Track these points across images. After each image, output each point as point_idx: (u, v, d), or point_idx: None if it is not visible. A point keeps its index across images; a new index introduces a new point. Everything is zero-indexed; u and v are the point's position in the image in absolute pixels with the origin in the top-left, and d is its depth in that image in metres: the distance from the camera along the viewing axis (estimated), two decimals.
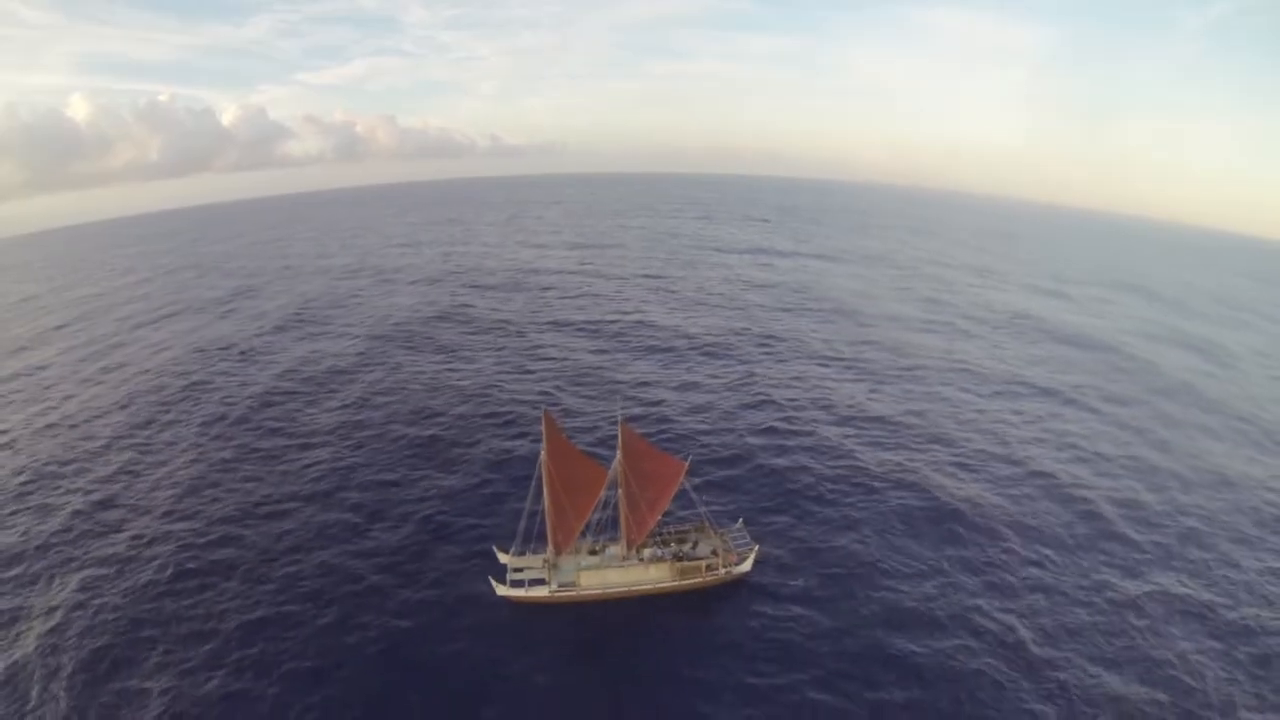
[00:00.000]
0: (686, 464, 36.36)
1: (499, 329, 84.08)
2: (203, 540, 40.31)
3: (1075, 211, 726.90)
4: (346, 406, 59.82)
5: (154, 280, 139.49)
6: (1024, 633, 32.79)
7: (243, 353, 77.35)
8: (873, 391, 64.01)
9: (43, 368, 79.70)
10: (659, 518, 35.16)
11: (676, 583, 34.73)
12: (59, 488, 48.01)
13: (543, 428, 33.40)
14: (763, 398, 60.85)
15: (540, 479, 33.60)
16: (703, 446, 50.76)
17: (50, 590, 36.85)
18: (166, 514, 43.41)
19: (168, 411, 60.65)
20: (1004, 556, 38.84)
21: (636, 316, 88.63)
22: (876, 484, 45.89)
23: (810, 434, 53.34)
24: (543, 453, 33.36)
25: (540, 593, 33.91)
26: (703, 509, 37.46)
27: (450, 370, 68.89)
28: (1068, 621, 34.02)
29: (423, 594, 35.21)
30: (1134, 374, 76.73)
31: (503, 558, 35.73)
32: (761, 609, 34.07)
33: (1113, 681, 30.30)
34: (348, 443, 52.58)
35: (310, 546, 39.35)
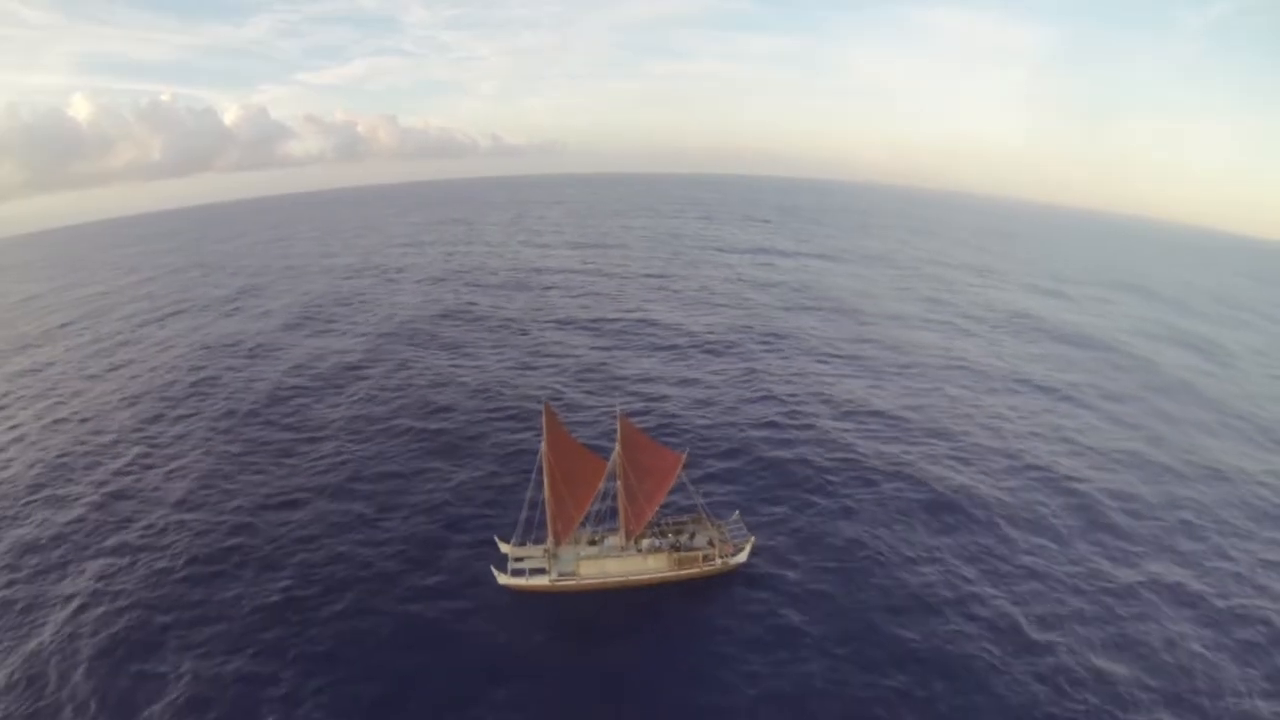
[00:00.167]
0: (684, 456, 37.11)
1: (503, 327, 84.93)
2: (215, 530, 41.17)
3: (1075, 211, 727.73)
4: (355, 401, 60.69)
5: (157, 279, 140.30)
6: (1019, 618, 33.57)
7: (250, 349, 78.19)
8: (872, 387, 64.82)
9: (50, 365, 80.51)
10: (657, 509, 35.90)
11: (674, 573, 35.48)
12: (72, 480, 48.88)
13: (543, 421, 34.19)
14: (763, 393, 61.68)
15: (540, 471, 34.35)
16: (703, 440, 51.58)
17: (67, 579, 37.65)
18: (179, 504, 44.28)
19: (177, 407, 61.50)
20: (1000, 546, 39.66)
21: (639, 315, 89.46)
22: (874, 476, 46.71)
23: (810, 427, 54.16)
24: (543, 445, 34.12)
25: (541, 582, 34.69)
26: (700, 500, 38.24)
27: (456, 367, 69.73)
28: (1062, 608, 34.80)
29: (432, 580, 36.08)
30: (1131, 371, 77.49)
31: (504, 547, 36.49)
32: (759, 597, 34.84)
33: (1105, 665, 31.06)
34: (356, 437, 53.42)
35: (321, 536, 40.19)
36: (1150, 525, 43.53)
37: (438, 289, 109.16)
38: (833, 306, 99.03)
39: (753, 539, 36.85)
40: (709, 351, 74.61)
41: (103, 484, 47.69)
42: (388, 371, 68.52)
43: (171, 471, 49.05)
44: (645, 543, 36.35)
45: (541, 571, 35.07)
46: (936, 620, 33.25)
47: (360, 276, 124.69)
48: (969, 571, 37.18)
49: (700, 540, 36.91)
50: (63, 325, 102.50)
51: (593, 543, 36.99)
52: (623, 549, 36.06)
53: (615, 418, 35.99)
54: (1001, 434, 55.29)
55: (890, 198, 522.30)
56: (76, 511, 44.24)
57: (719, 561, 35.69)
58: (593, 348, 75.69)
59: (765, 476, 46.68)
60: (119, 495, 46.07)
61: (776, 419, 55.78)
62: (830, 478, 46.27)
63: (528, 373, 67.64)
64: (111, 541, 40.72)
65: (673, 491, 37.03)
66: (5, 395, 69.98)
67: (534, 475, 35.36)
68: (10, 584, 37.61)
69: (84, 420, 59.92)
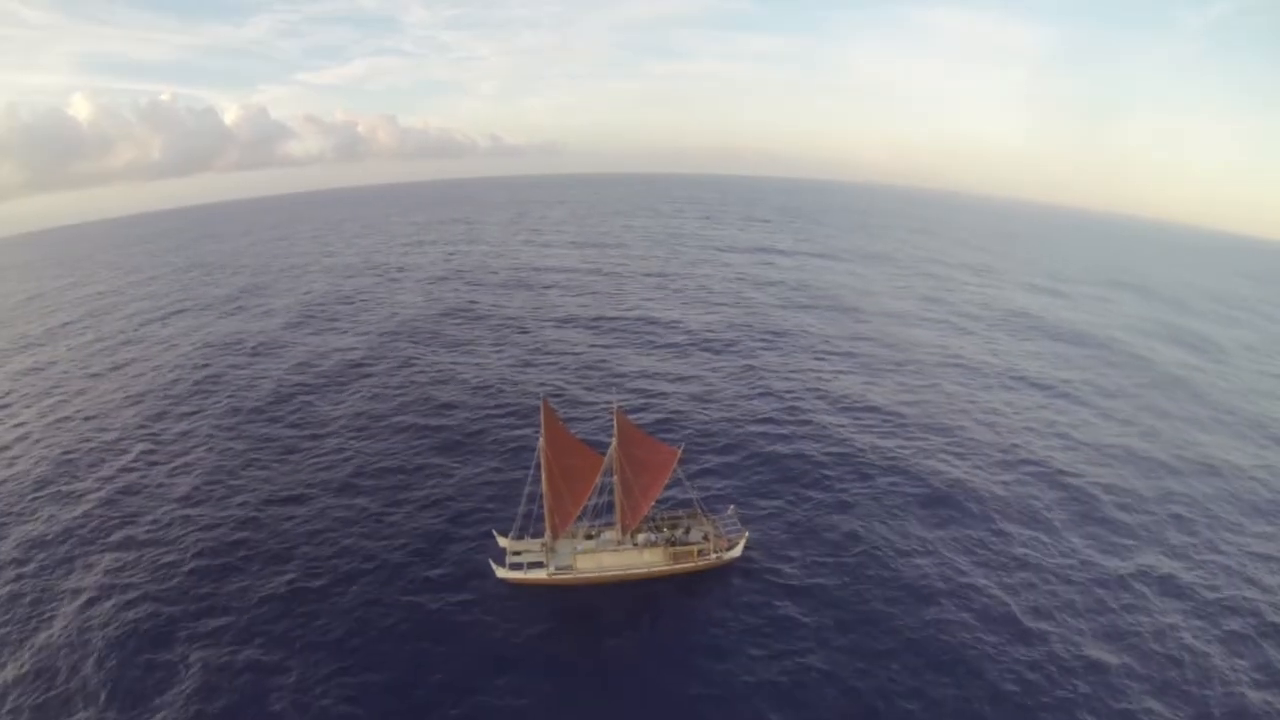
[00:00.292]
0: (679, 451, 37.71)
1: (504, 325, 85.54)
2: (222, 524, 41.78)
3: (1075, 211, 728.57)
4: (358, 399, 61.33)
5: (159, 279, 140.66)
6: (1013, 608, 34.26)
7: (253, 348, 78.72)
8: (868, 383, 65.45)
9: (53, 363, 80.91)
10: (653, 503, 36.50)
11: (669, 567, 36.07)
12: (79, 476, 49.41)
13: (541, 417, 34.79)
14: (761, 390, 62.32)
15: (538, 466, 34.96)
16: (702, 435, 52.21)
17: (76, 573, 38.19)
18: (185, 499, 44.88)
19: (181, 404, 62.05)
20: (994, 538, 40.30)
21: (638, 313, 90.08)
22: (871, 470, 47.36)
23: (807, 423, 54.80)
24: (541, 440, 34.71)
25: (538, 575, 35.31)
26: (695, 495, 38.86)
27: (458, 364, 70.33)
28: (1055, 598, 35.47)
29: (435, 573, 36.72)
30: (1126, 368, 78.12)
31: (502, 541, 37.09)
32: (756, 589, 35.51)
33: (1096, 654, 31.72)
34: (360, 433, 54.05)
35: (326, 530, 40.83)
36: (1142, 518, 44.17)
37: (439, 288, 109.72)
38: (831, 305, 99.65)
39: (747, 534, 37.48)
40: (708, 349, 75.21)
41: (109, 480, 48.26)
42: (390, 369, 69.12)
43: (177, 468, 49.62)
44: (641, 537, 36.95)
45: (539, 565, 35.69)
46: (932, 610, 33.91)
47: (362, 276, 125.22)
48: (964, 563, 37.82)
49: (695, 535, 37.49)
50: (64, 324, 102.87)
51: (589, 537, 37.60)
52: (619, 543, 36.68)
53: (612, 413, 36.55)
54: (996, 429, 55.94)
55: (890, 198, 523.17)
56: (84, 507, 44.79)
57: (714, 556, 36.30)
58: (592, 345, 76.29)
59: (763, 471, 47.30)
60: (126, 491, 46.63)
61: (774, 415, 56.40)
62: (827, 472, 46.89)
63: (528, 370, 68.25)
64: (119, 536, 41.29)
65: (669, 486, 37.62)
66: (9, 394, 70.44)
67: (532, 470, 35.97)
68: (19, 578, 38.15)
69: (89, 418, 60.44)
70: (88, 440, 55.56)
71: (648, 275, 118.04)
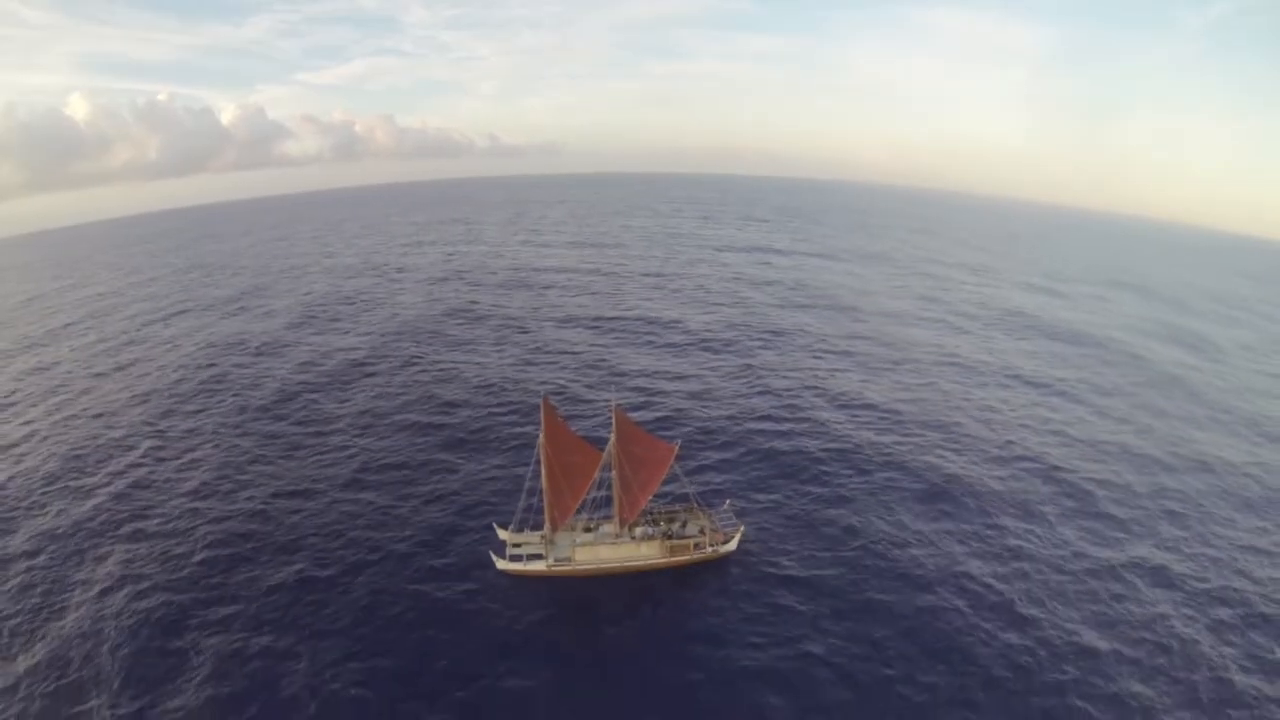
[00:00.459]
0: (676, 447, 38.49)
1: (506, 325, 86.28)
2: (231, 518, 42.55)
3: (1075, 211, 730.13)
4: (363, 397, 62.13)
5: (160, 279, 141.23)
6: (1007, 595, 35.12)
7: (257, 348, 79.38)
8: (866, 381, 66.21)
9: (57, 364, 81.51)
10: (650, 498, 37.25)
11: (666, 560, 36.87)
12: (88, 472, 50.09)
13: (541, 414, 35.55)
14: (759, 387, 63.08)
15: (538, 461, 35.71)
16: (701, 432, 52.96)
17: (88, 565, 38.89)
18: (194, 494, 45.66)
19: (187, 403, 62.74)
20: (989, 530, 41.13)
21: (638, 312, 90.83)
22: (868, 465, 48.15)
23: (805, 420, 55.57)
24: (541, 436, 35.51)
25: (538, 567, 36.11)
26: (692, 490, 39.63)
27: (460, 363, 71.06)
28: (1048, 587, 36.31)
29: (441, 564, 37.55)
30: (1122, 367, 78.93)
31: (502, 534, 37.86)
32: (753, 579, 36.28)
33: (1088, 639, 32.56)
34: (366, 431, 54.83)
35: (333, 523, 41.60)
36: (1136, 512, 44.95)
37: (439, 288, 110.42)
38: (829, 304, 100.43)
39: (742, 528, 38.27)
40: (707, 348, 75.94)
41: (119, 474, 49.00)
42: (394, 368, 69.86)
43: (186, 464, 50.30)
44: (638, 530, 37.75)
45: (539, 557, 36.48)
46: (927, 598, 34.73)
47: (362, 276, 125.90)
48: (959, 553, 38.63)
49: (692, 529, 38.26)
50: (67, 325, 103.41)
51: (588, 530, 38.41)
52: (617, 536, 37.51)
53: (611, 411, 37.27)
54: (992, 425, 56.72)
55: (890, 198, 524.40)
56: (94, 501, 45.51)
57: (709, 549, 37.08)
58: (592, 344, 77.01)
59: (761, 467, 48.06)
60: (135, 485, 47.34)
61: (772, 412, 57.17)
62: (824, 467, 47.65)
63: (529, 369, 68.98)
64: (129, 529, 42.02)
65: (666, 482, 38.37)
66: (15, 393, 71.06)
67: (532, 465, 36.78)
68: (32, 570, 38.82)
69: (96, 416, 61.10)
70: (96, 437, 56.25)
71: (646, 275, 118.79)
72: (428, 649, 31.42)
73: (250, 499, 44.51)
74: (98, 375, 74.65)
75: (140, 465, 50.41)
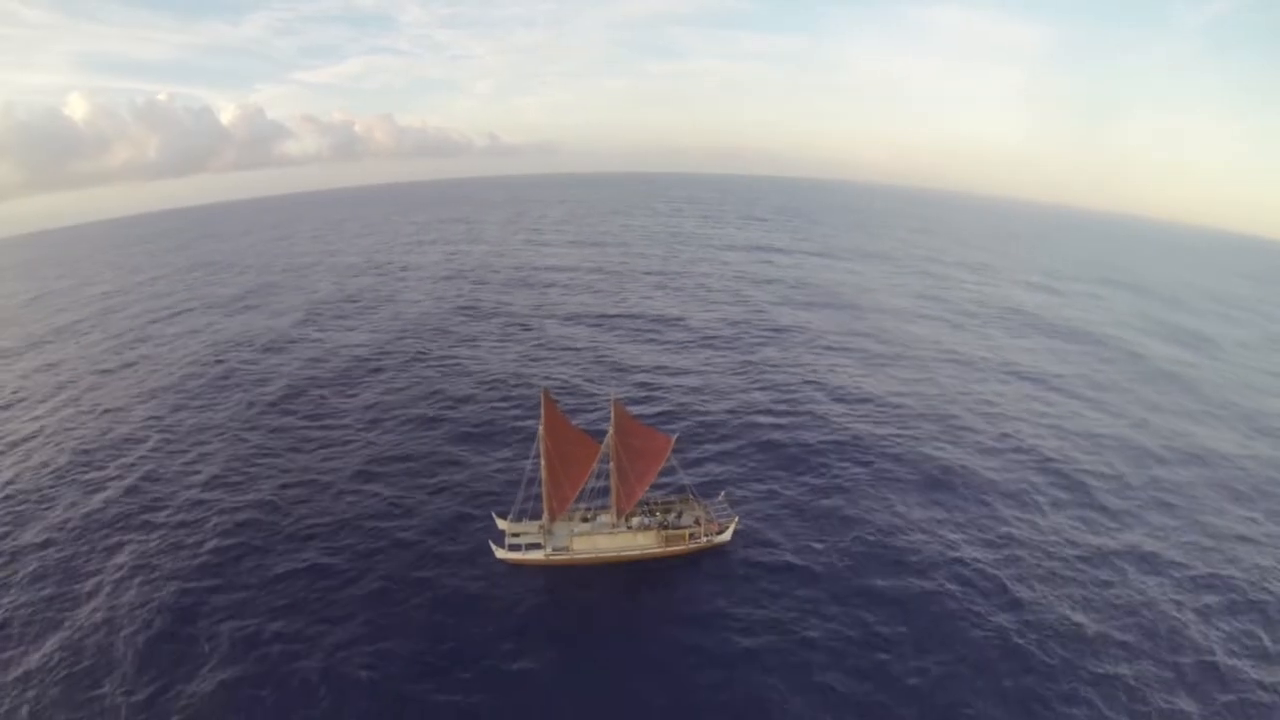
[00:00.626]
0: (673, 440, 39.29)
1: (508, 322, 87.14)
2: (242, 509, 43.34)
3: (1075, 211, 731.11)
4: (370, 392, 63.07)
5: (163, 278, 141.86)
6: (1001, 580, 36.02)
7: (264, 345, 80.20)
8: (865, 376, 67.05)
9: (63, 361, 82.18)
10: (647, 489, 38.07)
11: (662, 549, 37.68)
12: (99, 466, 50.82)
13: (541, 406, 36.38)
14: (759, 382, 63.94)
15: (538, 452, 36.55)
16: (702, 426, 53.83)
17: (100, 555, 39.67)
18: (206, 486, 46.48)
19: (196, 398, 63.58)
20: (985, 518, 42.07)
21: (638, 310, 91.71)
22: (866, 456, 49.05)
23: (805, 413, 56.48)
24: (540, 428, 36.35)
25: (536, 556, 36.94)
26: (688, 482, 40.42)
27: (465, 360, 71.96)
28: (1041, 571, 37.22)
29: (447, 550, 38.48)
30: (1119, 364, 79.70)
31: (501, 524, 38.61)
32: (751, 566, 37.15)
33: (1082, 621, 33.49)
34: (374, 425, 55.75)
35: (343, 513, 42.47)
36: (1129, 502, 45.81)
37: (442, 286, 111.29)
38: (829, 302, 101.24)
39: (737, 518, 39.12)
40: (707, 345, 76.78)
41: (131, 466, 49.81)
42: (400, 364, 70.80)
43: (195, 458, 51.13)
44: (635, 520, 38.56)
45: (537, 546, 37.31)
46: (923, 582, 35.63)
47: (366, 275, 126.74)
48: (955, 539, 39.54)
49: (687, 519, 39.07)
50: (72, 324, 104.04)
51: (586, 520, 39.26)
52: (614, 526, 38.34)
53: (610, 403, 38.07)
54: (989, 418, 57.58)
55: (889, 197, 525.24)
56: (106, 494, 46.30)
57: (704, 539, 37.90)
58: (594, 341, 77.85)
59: (761, 458, 48.94)
60: (147, 478, 48.11)
61: (772, 405, 58.05)
62: (822, 458, 48.53)
63: (533, 364, 69.85)
64: (141, 520, 42.82)
65: (664, 473, 39.17)
66: (23, 390, 71.79)
67: (532, 457, 37.66)
68: (45, 561, 39.54)
69: (106, 411, 61.90)
70: (106, 432, 57.04)
71: (647, 273, 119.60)
72: (434, 633, 32.25)
73: (261, 490, 45.38)
74: (105, 372, 75.42)
75: (151, 459, 51.17)
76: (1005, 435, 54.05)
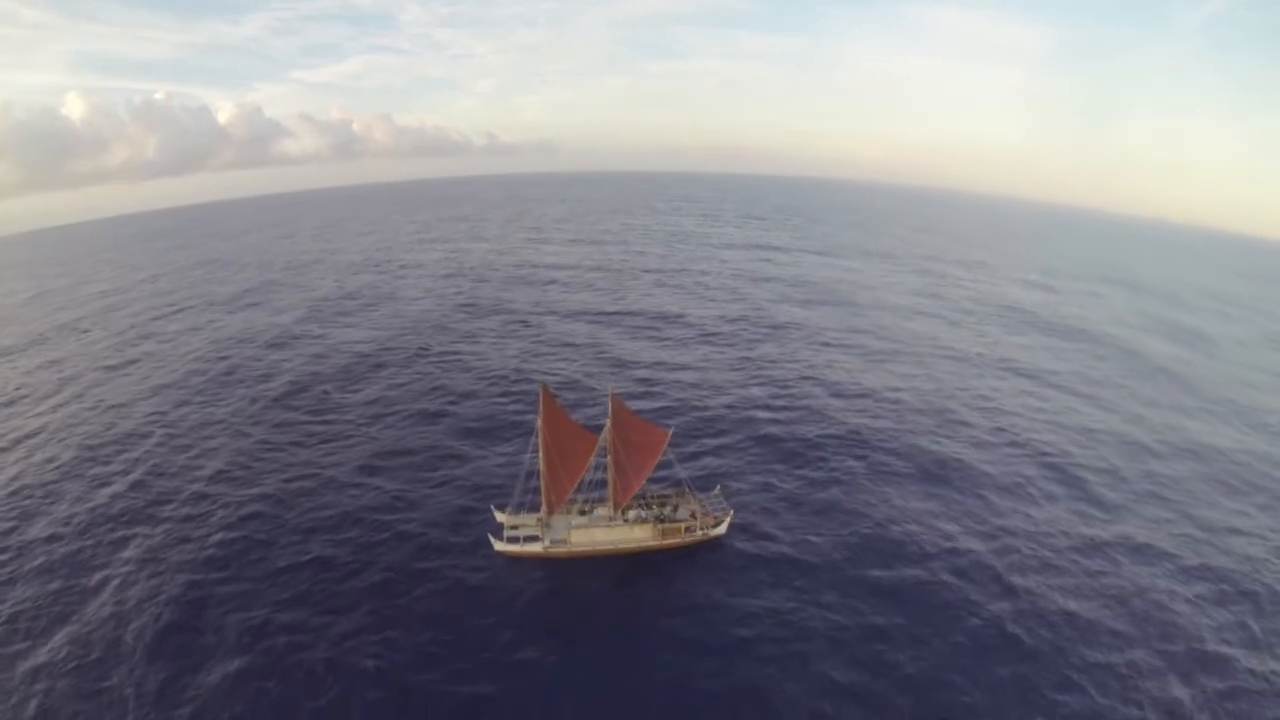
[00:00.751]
0: (669, 434, 39.74)
1: (509, 319, 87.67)
2: (247, 503, 43.76)
3: (1074, 210, 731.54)
4: (375, 388, 63.59)
5: (163, 277, 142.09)
6: (996, 569, 36.67)
7: (267, 342, 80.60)
8: (863, 372, 67.61)
9: (66, 359, 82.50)
10: (643, 482, 38.48)
11: (658, 542, 38.18)
12: (104, 461, 51.26)
13: (540, 400, 36.85)
14: (757, 378, 64.53)
15: (536, 446, 37.00)
16: (701, 420, 54.37)
17: (108, 550, 40.04)
18: (212, 480, 46.92)
19: (200, 394, 64.02)
20: (980, 509, 42.69)
21: (638, 307, 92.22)
22: (862, 449, 49.66)
23: (802, 408, 57.09)
24: (539, 422, 36.79)
25: (534, 548, 37.39)
26: (684, 475, 40.94)
27: (467, 355, 72.47)
28: (1035, 561, 37.81)
29: (450, 542, 39.02)
30: (1116, 361, 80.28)
31: (500, 516, 39.12)
32: (747, 557, 37.71)
33: (1075, 610, 34.04)
34: (377, 420, 56.25)
35: (347, 505, 42.98)
36: (1123, 495, 46.40)
37: (444, 284, 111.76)
38: (827, 299, 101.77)
39: (732, 512, 39.62)
40: (707, 342, 77.29)
41: (136, 462, 50.24)
42: (403, 360, 71.32)
43: (200, 453, 51.55)
44: (632, 513, 39.02)
45: (535, 539, 37.75)
46: (919, 571, 36.29)
47: (367, 273, 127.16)
48: (950, 530, 40.17)
49: (683, 512, 39.54)
50: (73, 321, 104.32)
51: (583, 513, 39.70)
52: (611, 519, 38.77)
53: (608, 398, 38.54)
54: (985, 413, 58.16)
55: (889, 196, 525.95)
56: (112, 489, 46.71)
57: (700, 532, 38.40)
58: (593, 338, 78.37)
59: (758, 452, 49.46)
60: (152, 473, 48.53)
61: (769, 400, 58.65)
62: (820, 452, 49.09)
63: (534, 360, 70.35)
64: (147, 514, 43.24)
65: (661, 467, 39.64)
66: (26, 387, 72.16)
67: (530, 450, 38.15)
68: (52, 555, 39.90)
69: (110, 407, 62.32)
70: (111, 427, 57.43)
71: (647, 271, 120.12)
72: (437, 624, 32.71)
73: (264, 485, 45.81)
74: (109, 369, 75.79)
75: (157, 454, 51.61)
76: (1001, 430, 54.60)
